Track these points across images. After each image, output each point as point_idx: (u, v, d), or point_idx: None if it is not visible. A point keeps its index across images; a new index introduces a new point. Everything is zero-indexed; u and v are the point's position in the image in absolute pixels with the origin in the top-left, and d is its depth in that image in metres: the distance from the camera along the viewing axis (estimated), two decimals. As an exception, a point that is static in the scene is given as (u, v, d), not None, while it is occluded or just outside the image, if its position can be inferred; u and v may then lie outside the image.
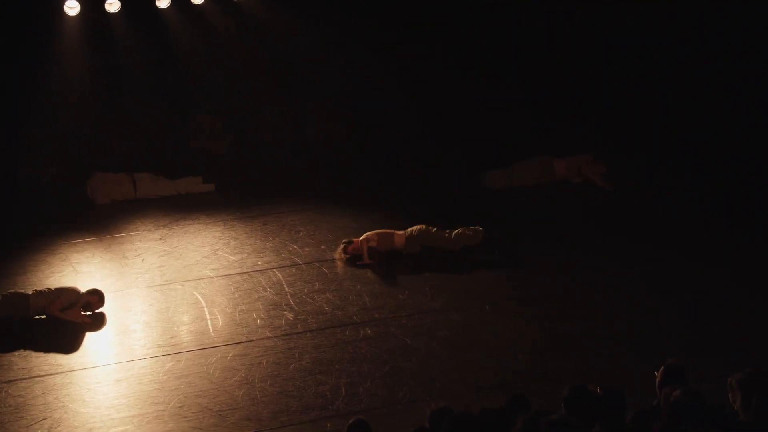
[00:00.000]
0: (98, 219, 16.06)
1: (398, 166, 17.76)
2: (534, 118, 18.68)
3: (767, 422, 6.29)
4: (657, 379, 7.54)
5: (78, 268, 14.22)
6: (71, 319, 12.53)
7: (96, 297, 12.79)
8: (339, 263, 14.00)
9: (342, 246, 14.11)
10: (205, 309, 12.82)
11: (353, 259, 13.96)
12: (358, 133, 19.25)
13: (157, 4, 17.64)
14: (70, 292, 12.72)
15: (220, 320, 12.50)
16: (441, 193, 16.36)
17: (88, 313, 12.74)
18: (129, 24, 17.81)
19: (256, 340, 11.98)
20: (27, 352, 11.86)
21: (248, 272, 13.87)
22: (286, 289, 13.31)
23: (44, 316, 12.60)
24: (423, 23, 18.81)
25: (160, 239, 15.19)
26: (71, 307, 12.62)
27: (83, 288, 13.03)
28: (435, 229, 14.21)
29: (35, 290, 12.72)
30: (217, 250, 14.68)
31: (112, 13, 17.35)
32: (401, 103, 18.98)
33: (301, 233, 15.17)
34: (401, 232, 14.24)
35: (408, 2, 18.76)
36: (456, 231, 14.17)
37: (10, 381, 11.24)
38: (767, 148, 16.77)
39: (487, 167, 17.07)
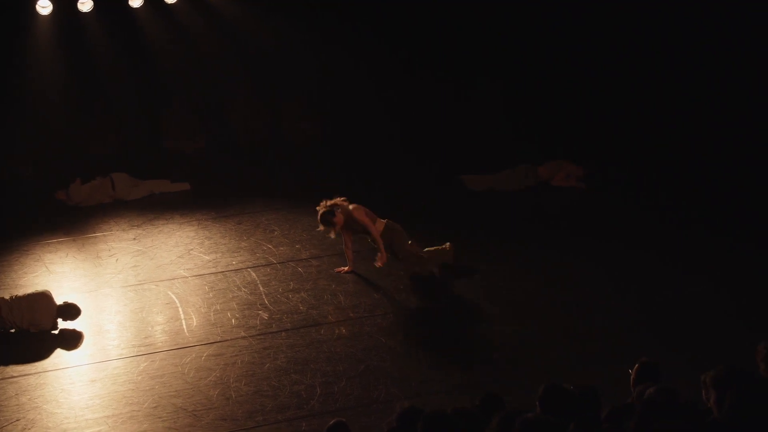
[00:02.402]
0: (72, 219, 16.00)
1: (373, 166, 17.75)
2: (512, 120, 18.70)
3: (741, 419, 6.32)
4: (631, 377, 7.57)
5: (51, 269, 14.16)
6: None
7: (68, 319, 12.40)
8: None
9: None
10: (180, 309, 12.80)
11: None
12: (333, 133, 19.26)
13: (130, 3, 17.59)
14: (43, 320, 12.28)
15: (194, 320, 12.48)
16: (417, 194, 16.36)
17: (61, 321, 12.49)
18: (102, 23, 17.76)
19: (231, 339, 11.97)
20: None
21: (223, 272, 13.85)
22: (261, 288, 13.30)
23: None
24: (400, 23, 18.82)
25: (134, 239, 15.15)
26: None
27: (58, 289, 13.01)
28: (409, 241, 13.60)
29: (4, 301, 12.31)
30: (192, 249, 14.66)
31: (85, 12, 17.28)
32: (376, 103, 19.00)
33: (276, 233, 15.16)
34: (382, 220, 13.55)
35: (386, 2, 18.79)
36: (426, 249, 13.69)
37: (-17, 382, 11.22)
38: (741, 150, 16.85)
39: (466, 169, 17.06)
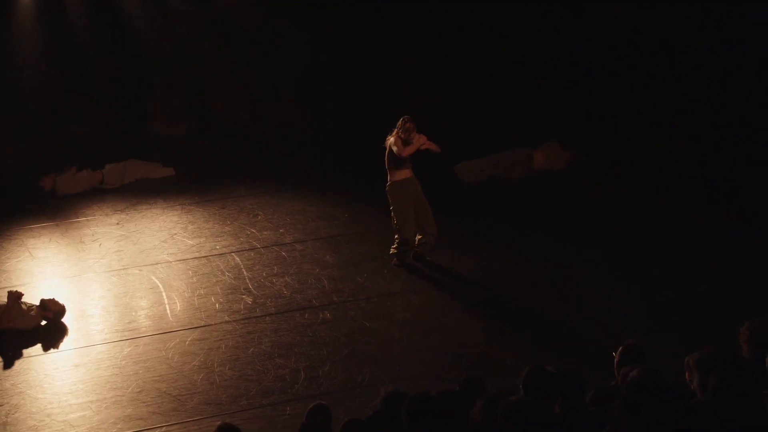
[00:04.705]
0: (55, 204, 15.97)
1: (357, 150, 17.71)
2: (499, 109, 18.60)
3: (724, 402, 6.34)
4: (615, 359, 7.58)
5: (35, 254, 14.12)
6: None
7: (50, 315, 12.09)
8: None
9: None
10: (163, 293, 12.78)
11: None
12: (316, 117, 19.23)
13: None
14: (26, 319, 11.98)
15: (178, 305, 12.46)
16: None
17: (43, 322, 12.16)
18: (86, 7, 17.70)
19: (215, 324, 11.96)
20: (-18, 339, 11.79)
21: (206, 256, 13.83)
22: (245, 273, 13.29)
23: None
24: (385, 9, 18.79)
25: (117, 224, 15.12)
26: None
27: (41, 274, 12.98)
28: None
29: None
30: (175, 234, 14.63)
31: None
32: (359, 86, 18.96)
33: (260, 217, 15.15)
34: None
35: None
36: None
37: (-34, 367, 11.20)
38: (730, 135, 16.84)
39: (456, 159, 16.88)
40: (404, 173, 12.94)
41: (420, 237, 13.29)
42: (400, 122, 12.83)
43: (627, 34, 18.16)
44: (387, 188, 12.96)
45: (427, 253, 13.34)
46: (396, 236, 13.20)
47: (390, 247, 13.34)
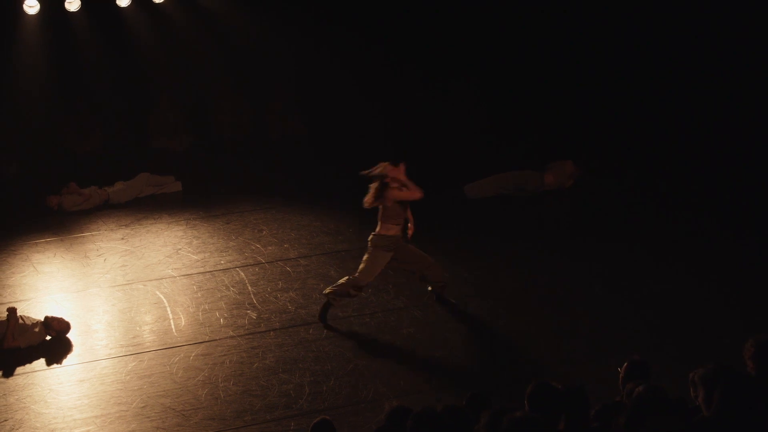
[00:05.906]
0: (59, 219, 15.96)
1: (361, 164, 17.68)
2: (504, 124, 18.61)
3: (729, 417, 6.33)
4: (620, 375, 7.58)
5: (39, 269, 14.12)
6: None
7: (54, 333, 12.08)
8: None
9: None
10: (168, 308, 12.77)
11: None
12: (319, 131, 19.24)
13: (118, 2, 17.56)
14: (30, 336, 11.97)
15: (182, 320, 12.46)
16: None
17: (48, 338, 12.15)
18: (89, 22, 17.74)
19: (219, 339, 11.95)
20: (-13, 354, 11.78)
21: (211, 271, 13.82)
22: (249, 288, 13.28)
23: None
24: (385, 22, 18.83)
25: (122, 239, 15.12)
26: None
27: (46, 289, 12.97)
28: None
29: None
30: (180, 249, 14.63)
31: (72, 12, 17.25)
32: (365, 99, 18.97)
33: (264, 232, 15.15)
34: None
35: (371, 2, 18.80)
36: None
37: (-29, 382, 11.19)
38: (725, 145, 16.88)
39: (460, 173, 16.82)
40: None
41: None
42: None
43: (632, 46, 18.23)
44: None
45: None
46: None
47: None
